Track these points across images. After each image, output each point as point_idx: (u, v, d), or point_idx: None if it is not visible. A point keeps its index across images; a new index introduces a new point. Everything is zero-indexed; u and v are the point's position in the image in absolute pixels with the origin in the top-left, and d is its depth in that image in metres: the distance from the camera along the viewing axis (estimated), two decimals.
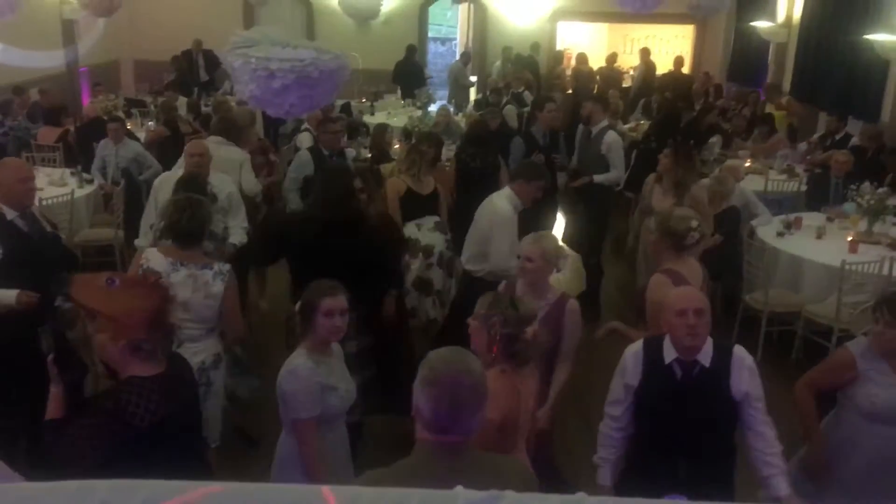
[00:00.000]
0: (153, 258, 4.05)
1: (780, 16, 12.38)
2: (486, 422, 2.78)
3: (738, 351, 3.32)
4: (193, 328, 4.04)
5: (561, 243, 4.18)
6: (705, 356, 3.24)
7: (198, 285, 3.98)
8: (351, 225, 4.45)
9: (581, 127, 7.69)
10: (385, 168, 8.10)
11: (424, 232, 6.13)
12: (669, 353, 3.26)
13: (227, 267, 4.13)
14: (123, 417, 2.69)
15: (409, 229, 6.05)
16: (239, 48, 2.47)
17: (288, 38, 2.53)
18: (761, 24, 12.43)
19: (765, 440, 3.29)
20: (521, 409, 3.12)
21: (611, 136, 7.27)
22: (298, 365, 3.29)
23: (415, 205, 6.14)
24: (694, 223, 4.20)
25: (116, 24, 12.88)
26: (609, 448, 3.48)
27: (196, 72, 13.64)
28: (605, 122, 7.41)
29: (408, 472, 2.25)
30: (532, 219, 6.80)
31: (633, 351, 3.40)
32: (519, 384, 3.12)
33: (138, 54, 14.26)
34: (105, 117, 9.24)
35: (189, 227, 4.05)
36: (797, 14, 12.02)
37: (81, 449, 2.70)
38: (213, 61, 13.73)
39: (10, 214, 4.23)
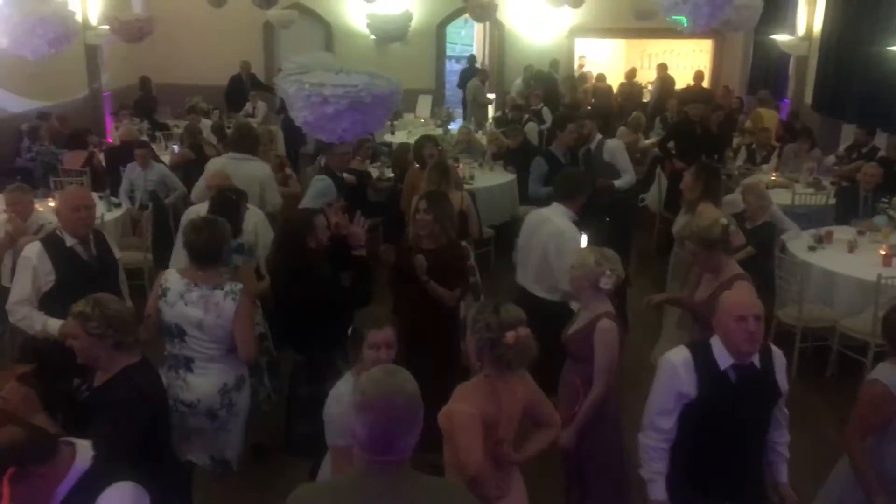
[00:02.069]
0: (171, 278, 4.13)
1: (800, 29, 12.34)
2: (467, 415, 2.99)
3: (773, 347, 3.46)
4: (212, 348, 4.08)
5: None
6: (755, 357, 3.31)
7: (209, 306, 4.02)
8: (290, 273, 4.45)
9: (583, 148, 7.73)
10: None
11: None
12: (724, 359, 3.27)
13: (238, 286, 4.16)
14: (145, 399, 3.12)
15: None
16: (293, 74, 2.49)
17: (341, 63, 2.55)
18: (781, 38, 12.41)
19: (780, 430, 3.46)
20: (504, 415, 3.15)
21: (610, 142, 7.50)
22: (344, 392, 3.26)
23: None
24: (723, 220, 4.41)
25: (138, 49, 12.99)
26: (660, 461, 3.40)
27: (245, 95, 13.78)
28: (598, 136, 7.52)
29: (345, 490, 2.32)
30: None
31: (682, 359, 3.33)
32: (502, 388, 3.15)
33: (160, 78, 14.36)
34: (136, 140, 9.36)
35: (207, 247, 4.10)
36: (817, 27, 11.98)
37: (121, 438, 2.97)
38: (257, 85, 13.86)
39: (70, 241, 4.40)
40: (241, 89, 13.91)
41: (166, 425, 3.47)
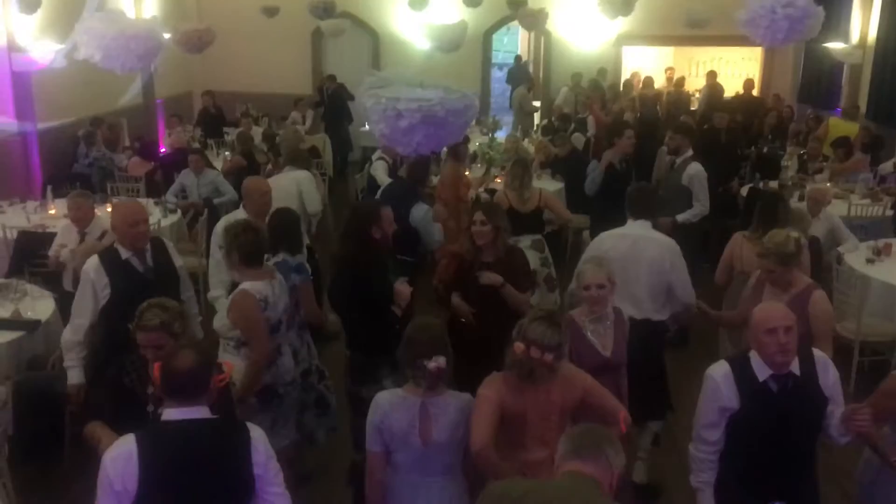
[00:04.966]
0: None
1: (854, 36, 12.15)
2: (483, 398, 3.26)
3: (816, 352, 3.47)
4: None
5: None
6: (794, 365, 3.33)
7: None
8: (352, 262, 4.53)
9: (666, 156, 7.64)
10: None
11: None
12: (762, 371, 3.34)
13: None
14: None
15: None
16: (372, 88, 2.54)
17: (421, 77, 2.59)
18: (834, 46, 12.21)
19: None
20: (532, 410, 3.30)
21: (694, 167, 7.18)
22: (381, 401, 3.40)
23: (514, 222, 6.07)
24: (794, 234, 4.47)
25: (188, 58, 13.25)
26: (708, 471, 3.49)
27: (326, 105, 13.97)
28: (689, 153, 7.36)
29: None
30: None
31: (722, 372, 3.41)
32: (527, 385, 3.29)
33: (209, 86, 14.60)
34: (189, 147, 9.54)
35: (260, 245, 4.37)
36: (872, 34, 11.78)
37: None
38: (340, 96, 14.02)
39: (125, 254, 4.52)
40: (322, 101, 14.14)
41: None
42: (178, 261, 4.87)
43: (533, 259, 6.20)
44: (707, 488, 3.49)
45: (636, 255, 4.87)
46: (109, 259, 4.50)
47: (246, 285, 4.22)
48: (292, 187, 7.05)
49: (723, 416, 3.39)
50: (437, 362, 3.23)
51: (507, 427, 3.30)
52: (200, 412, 2.82)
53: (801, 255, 4.55)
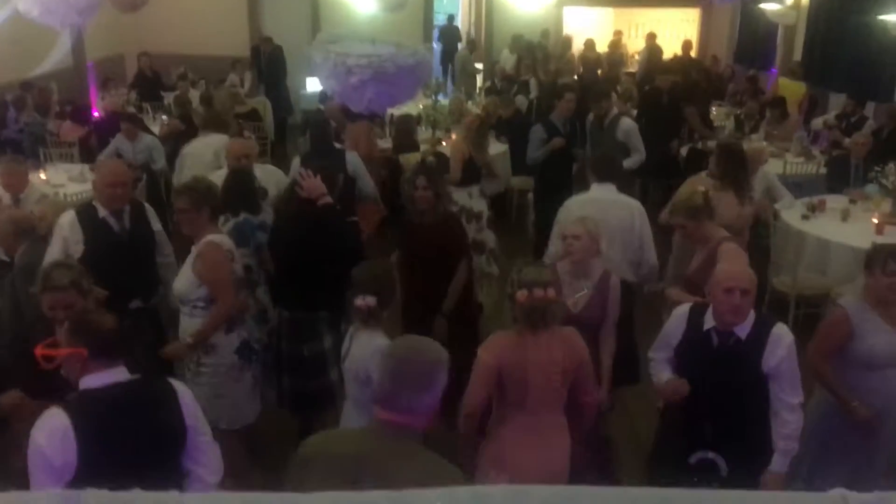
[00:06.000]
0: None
1: None
2: (481, 362, 3.29)
3: (779, 329, 3.48)
4: None
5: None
6: (742, 329, 3.45)
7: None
8: (306, 217, 4.45)
9: (591, 119, 7.76)
10: (407, 158, 8.12)
11: (475, 200, 6.68)
12: (709, 321, 3.51)
13: None
14: None
15: (462, 198, 6.53)
16: (322, 44, 2.49)
17: (373, 34, 2.55)
18: (769, 7, 12.40)
19: (779, 418, 3.46)
20: (532, 367, 3.31)
21: (625, 122, 7.51)
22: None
23: (471, 172, 6.68)
24: (701, 187, 4.66)
25: (120, 18, 12.74)
26: (660, 362, 3.74)
27: (262, 68, 13.64)
28: (615, 111, 7.65)
29: (348, 441, 2.45)
30: (552, 210, 6.85)
31: (681, 312, 3.69)
32: (530, 343, 3.32)
33: (143, 47, 14.13)
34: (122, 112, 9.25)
35: None
36: None
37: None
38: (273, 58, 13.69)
39: (103, 212, 4.52)
40: (259, 63, 13.80)
41: None
42: (157, 225, 4.82)
43: (480, 203, 6.72)
44: (658, 364, 3.75)
45: (607, 219, 4.86)
46: (87, 215, 4.51)
47: (213, 237, 4.21)
48: (207, 154, 6.81)
49: (668, 344, 3.68)
50: (365, 300, 3.40)
51: (508, 388, 3.35)
52: (122, 373, 2.79)
53: (713, 210, 4.62)
